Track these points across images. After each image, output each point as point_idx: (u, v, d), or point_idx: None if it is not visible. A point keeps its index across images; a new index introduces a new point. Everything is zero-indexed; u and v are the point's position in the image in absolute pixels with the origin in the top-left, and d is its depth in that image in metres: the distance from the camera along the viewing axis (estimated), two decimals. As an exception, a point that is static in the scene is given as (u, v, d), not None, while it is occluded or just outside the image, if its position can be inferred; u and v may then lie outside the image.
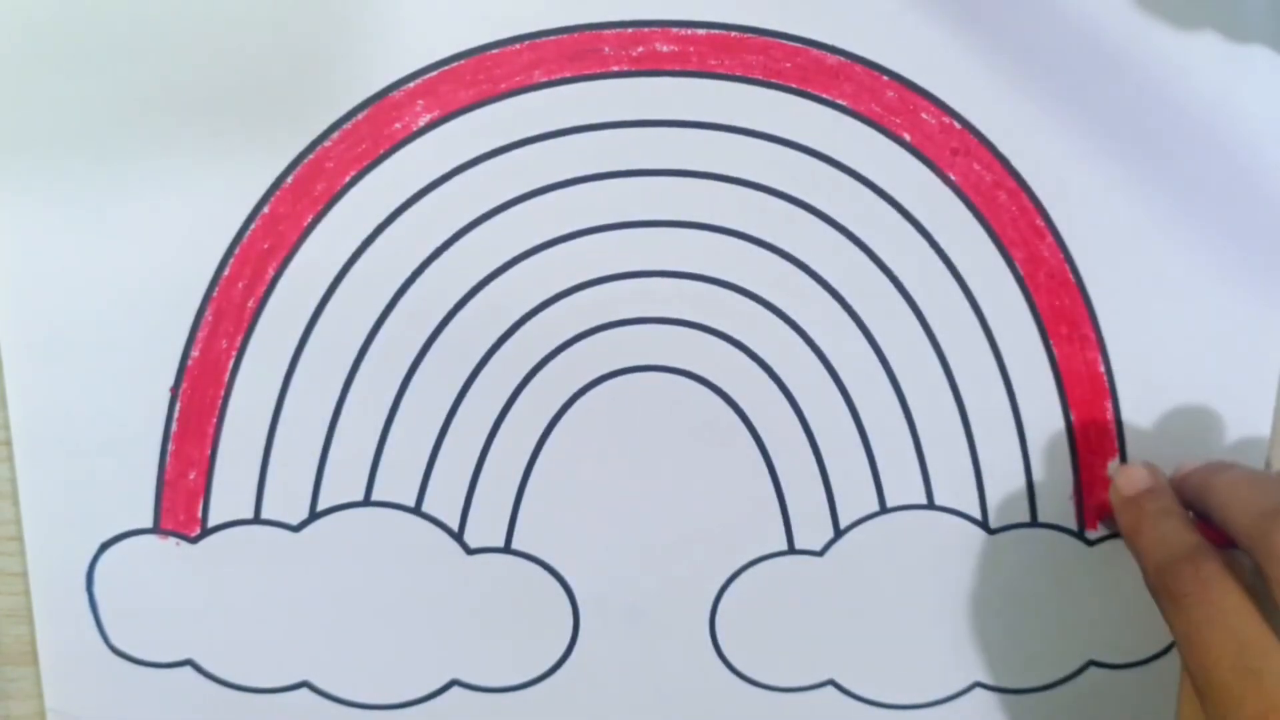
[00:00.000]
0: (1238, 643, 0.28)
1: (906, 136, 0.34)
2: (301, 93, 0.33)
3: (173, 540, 0.36)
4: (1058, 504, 0.37)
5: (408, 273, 0.35)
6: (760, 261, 0.35)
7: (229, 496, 0.36)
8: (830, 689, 0.38)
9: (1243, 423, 0.37)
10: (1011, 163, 0.34)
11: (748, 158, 0.34)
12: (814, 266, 0.35)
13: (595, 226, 0.35)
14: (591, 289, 0.35)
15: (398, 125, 0.34)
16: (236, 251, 0.34)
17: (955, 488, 0.37)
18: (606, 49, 0.33)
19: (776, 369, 0.36)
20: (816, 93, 0.34)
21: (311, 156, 0.34)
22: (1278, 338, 0.36)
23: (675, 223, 0.35)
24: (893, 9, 0.33)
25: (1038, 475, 0.37)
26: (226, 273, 0.34)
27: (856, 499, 0.37)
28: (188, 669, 0.37)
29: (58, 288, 0.34)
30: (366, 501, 0.36)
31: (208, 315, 0.35)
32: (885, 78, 0.34)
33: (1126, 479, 0.34)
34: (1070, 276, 0.35)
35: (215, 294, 0.35)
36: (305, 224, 0.34)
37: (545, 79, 0.33)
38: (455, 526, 0.37)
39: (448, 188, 0.34)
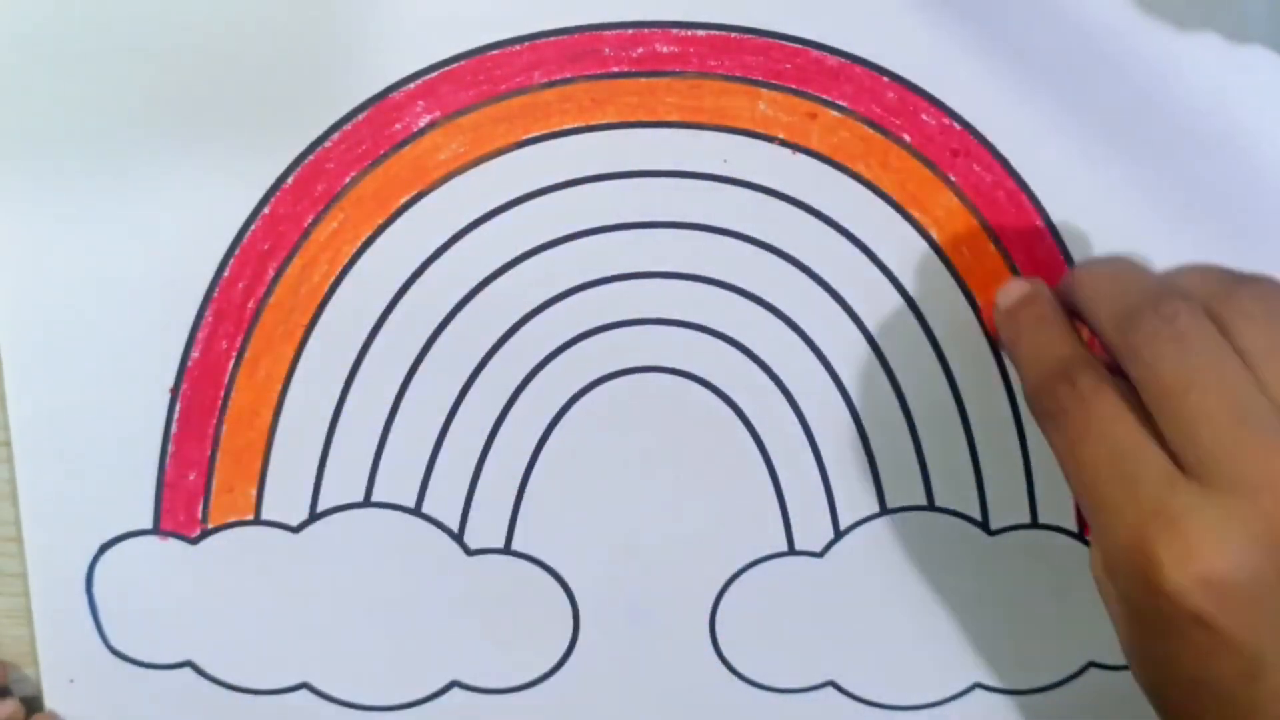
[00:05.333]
0: (1114, 452, 0.26)
1: (907, 137, 0.34)
2: (302, 93, 0.33)
3: (173, 541, 0.36)
4: (1058, 505, 0.37)
5: (408, 273, 0.35)
6: (760, 262, 0.35)
7: (229, 497, 0.36)
8: (830, 690, 0.38)
9: (1243, 423, 0.36)
10: (1011, 164, 0.34)
11: (748, 158, 0.34)
12: (814, 267, 0.35)
13: (596, 227, 0.35)
14: (592, 290, 0.35)
15: (398, 126, 0.34)
16: (237, 252, 0.34)
17: (955, 489, 0.37)
18: (606, 50, 0.33)
19: (776, 369, 0.36)
20: (817, 93, 0.34)
21: (312, 157, 0.34)
22: (1278, 338, 0.36)
23: (675, 224, 0.35)
24: (893, 10, 0.33)
25: (1038, 476, 0.37)
26: (226, 273, 0.34)
27: (856, 500, 0.37)
28: (187, 670, 0.37)
29: (58, 288, 0.34)
30: (366, 502, 0.36)
31: (208, 316, 0.35)
32: (885, 79, 0.34)
33: (1004, 292, 0.32)
34: (1070, 277, 0.35)
35: (215, 294, 0.35)
36: (305, 225, 0.34)
37: (545, 80, 0.33)
38: (455, 527, 0.37)
39: (448, 188, 0.34)
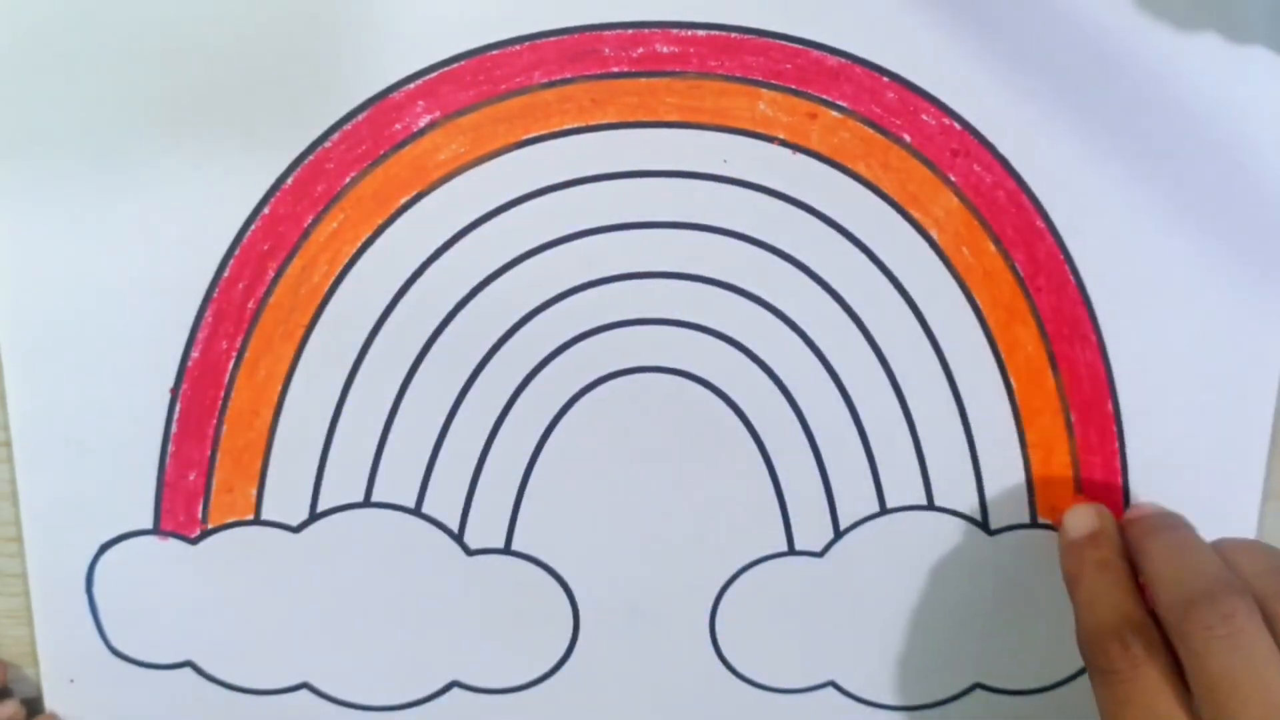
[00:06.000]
0: None
1: (906, 137, 0.34)
2: (302, 93, 0.33)
3: (173, 541, 0.36)
4: (1058, 505, 0.37)
5: (408, 273, 0.35)
6: (760, 262, 0.35)
7: (229, 497, 0.36)
8: (830, 690, 0.38)
9: (1243, 423, 0.37)
10: (1011, 164, 0.34)
11: (748, 158, 0.34)
12: (814, 267, 0.35)
13: (596, 227, 0.35)
14: (592, 290, 0.35)
15: (398, 126, 0.34)
16: (237, 252, 0.34)
17: (955, 488, 0.37)
18: (606, 50, 0.33)
19: (776, 370, 0.36)
20: (817, 94, 0.34)
21: (312, 157, 0.34)
22: (1278, 338, 0.36)
23: (675, 224, 0.35)
24: (893, 10, 0.33)
25: (1038, 476, 0.37)
26: (226, 273, 0.34)
27: (856, 500, 0.37)
28: (188, 670, 0.37)
29: (58, 288, 0.34)
30: (366, 502, 0.36)
31: (208, 316, 0.35)
32: (885, 79, 0.34)
33: (1073, 520, 0.34)
34: (1070, 277, 0.35)
35: (215, 295, 0.35)
36: (305, 225, 0.34)
37: (545, 80, 0.33)
38: (455, 527, 0.37)
39: (448, 188, 0.34)
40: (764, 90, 0.34)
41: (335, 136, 0.34)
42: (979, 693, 0.38)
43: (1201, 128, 0.34)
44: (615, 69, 0.33)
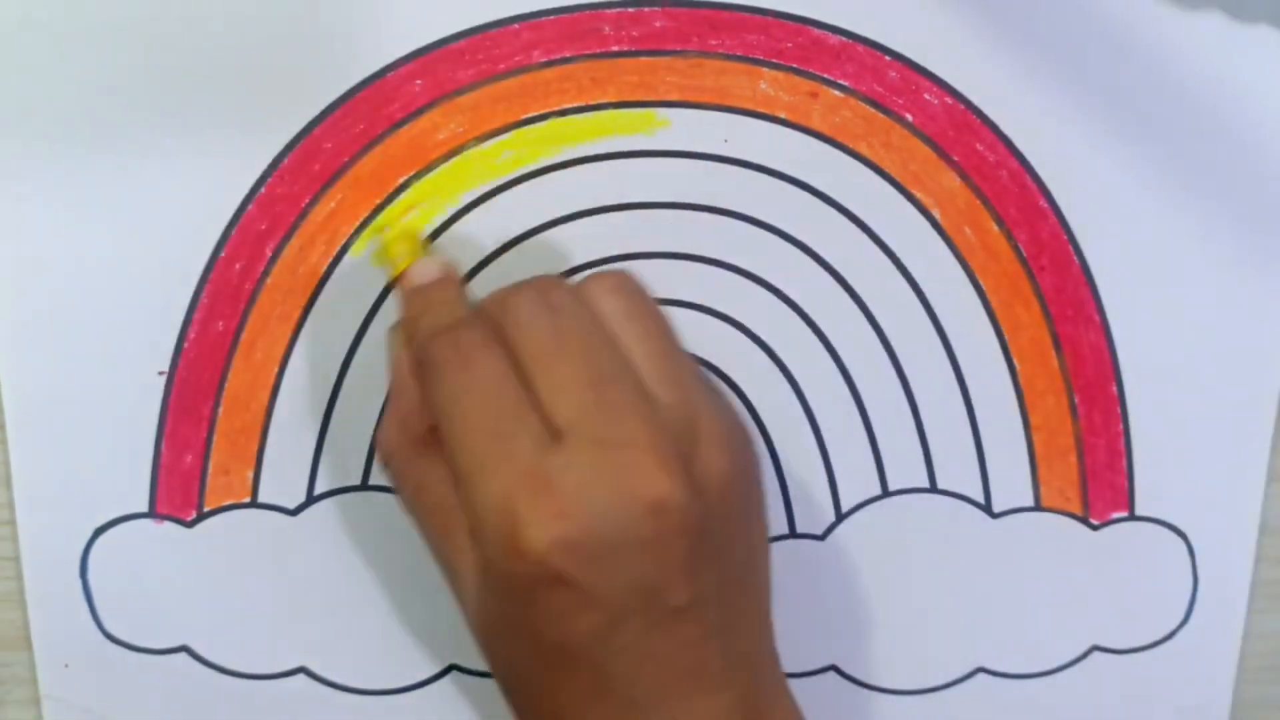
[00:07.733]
0: (494, 410, 0.27)
1: (909, 117, 0.34)
2: (299, 73, 0.33)
3: (168, 524, 0.36)
4: (1061, 488, 0.37)
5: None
6: (761, 242, 0.35)
7: (225, 480, 0.36)
8: (832, 674, 0.38)
9: (1248, 405, 0.36)
10: (1014, 143, 0.34)
11: (749, 138, 0.34)
12: (815, 248, 0.35)
13: (595, 208, 0.34)
14: (590, 270, 0.35)
15: (396, 105, 0.33)
16: (233, 233, 0.34)
17: (958, 471, 0.36)
18: (606, 28, 0.33)
19: (777, 350, 0.36)
20: (818, 73, 0.34)
21: (309, 137, 0.33)
22: (1283, 317, 0.36)
23: (675, 204, 0.35)
24: (895, -12, 0.33)
25: (1041, 458, 0.36)
26: (223, 254, 0.34)
27: (858, 482, 0.37)
28: (183, 655, 0.37)
29: (52, 270, 0.34)
30: (364, 485, 0.36)
31: (204, 297, 0.34)
32: (887, 57, 0.34)
33: (419, 269, 0.32)
34: (1074, 257, 0.35)
35: (211, 276, 0.34)
36: (303, 205, 0.34)
37: (545, 59, 0.33)
38: (453, 511, 0.36)
39: (447, 168, 0.34)
40: (765, 69, 0.34)
41: (333, 116, 0.33)
42: (981, 676, 0.38)
43: (1205, 106, 0.34)
44: (615, 48, 0.33)
